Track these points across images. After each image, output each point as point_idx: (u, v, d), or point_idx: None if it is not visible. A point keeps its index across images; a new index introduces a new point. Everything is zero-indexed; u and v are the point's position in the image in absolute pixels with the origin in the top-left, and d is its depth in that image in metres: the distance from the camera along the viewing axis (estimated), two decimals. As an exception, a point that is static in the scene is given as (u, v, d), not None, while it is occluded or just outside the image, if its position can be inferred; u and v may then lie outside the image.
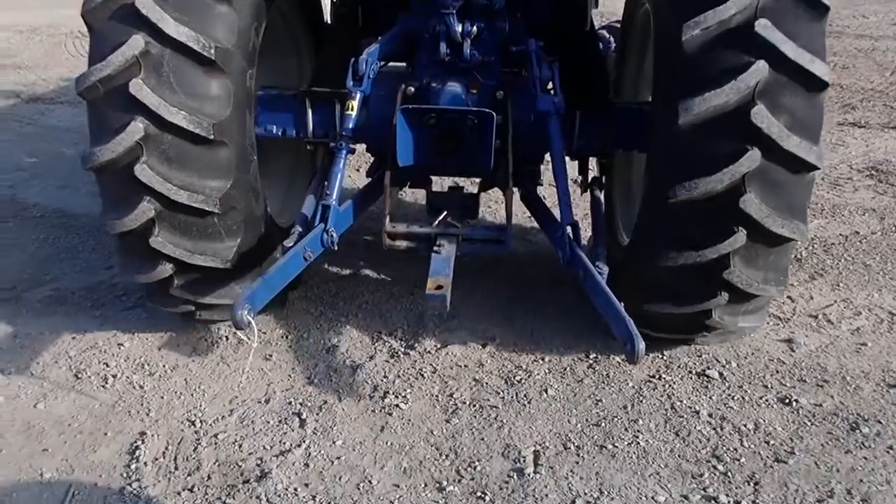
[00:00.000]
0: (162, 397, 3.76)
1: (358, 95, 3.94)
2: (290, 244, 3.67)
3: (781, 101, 3.20)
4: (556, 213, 3.80)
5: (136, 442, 3.46)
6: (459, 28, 4.01)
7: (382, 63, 4.21)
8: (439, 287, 3.43)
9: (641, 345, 2.96)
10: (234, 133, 3.61)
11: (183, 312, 4.07)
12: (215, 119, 3.49)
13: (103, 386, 3.83)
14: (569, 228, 3.61)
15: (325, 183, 3.87)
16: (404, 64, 4.54)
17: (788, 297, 4.55)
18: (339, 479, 3.26)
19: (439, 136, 3.79)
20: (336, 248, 3.72)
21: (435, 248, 3.75)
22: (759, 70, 3.14)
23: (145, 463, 3.34)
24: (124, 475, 3.28)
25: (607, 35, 5.49)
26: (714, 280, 3.51)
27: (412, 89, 4.07)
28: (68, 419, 3.61)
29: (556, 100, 3.86)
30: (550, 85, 3.97)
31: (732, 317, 3.71)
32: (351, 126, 3.90)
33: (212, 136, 3.48)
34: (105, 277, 4.84)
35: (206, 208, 3.59)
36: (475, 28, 4.05)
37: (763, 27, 3.12)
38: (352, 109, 3.91)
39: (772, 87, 3.18)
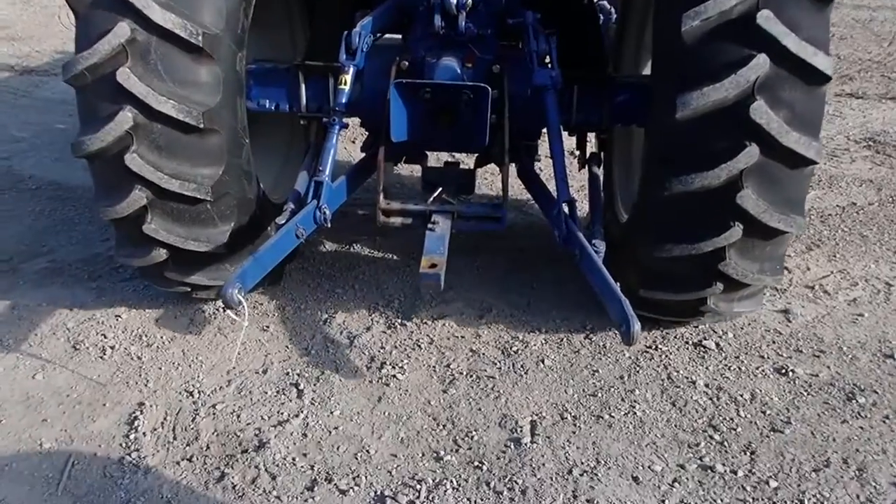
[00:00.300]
0: (160, 368, 3.77)
1: (351, 69, 3.89)
2: (283, 221, 3.64)
3: (781, 96, 3.15)
4: (553, 189, 3.78)
5: (134, 412, 3.47)
6: (454, 0, 3.95)
7: (377, 36, 4.16)
8: (433, 265, 3.42)
9: (637, 326, 2.95)
10: (225, 119, 3.56)
11: (179, 292, 4.07)
12: (205, 107, 3.44)
13: (101, 357, 3.84)
14: (565, 206, 3.58)
15: (318, 159, 3.83)
16: (399, 37, 4.49)
17: (785, 267, 4.54)
18: (337, 448, 3.28)
19: (434, 111, 3.74)
20: (329, 224, 3.69)
21: (429, 226, 3.73)
22: (760, 64, 3.08)
23: (144, 433, 3.35)
24: (123, 445, 3.29)
25: (608, 6, 5.43)
26: (709, 271, 3.51)
27: (406, 63, 4.01)
28: (67, 390, 3.62)
29: (553, 73, 3.81)
30: (548, 58, 3.93)
31: (728, 303, 3.72)
32: (344, 101, 3.85)
33: (202, 125, 3.43)
34: (102, 250, 4.84)
35: (199, 196, 3.56)
36: (470, 0, 4.00)
37: (765, 19, 3.04)
38: (345, 84, 3.86)
39: (772, 82, 3.12)
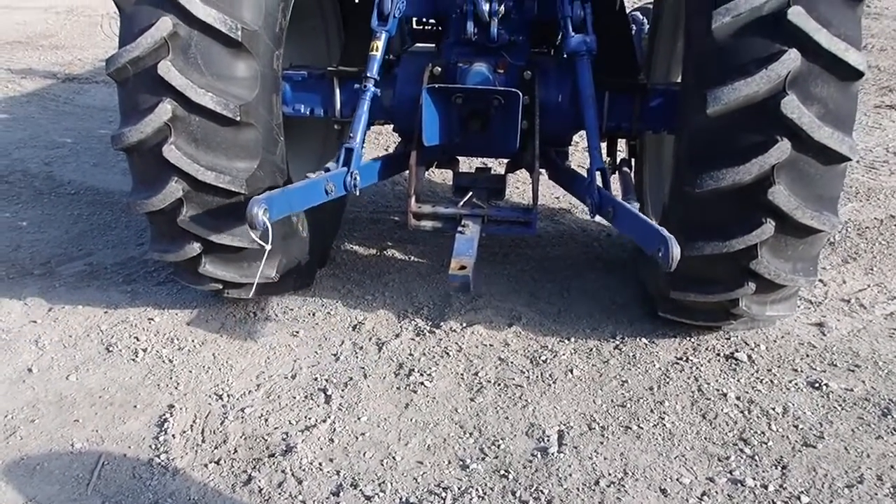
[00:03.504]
0: (190, 371, 3.80)
1: (383, 35, 3.93)
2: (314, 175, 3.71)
3: (813, 91, 3.15)
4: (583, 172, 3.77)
5: (164, 415, 3.51)
6: (487, 7, 3.96)
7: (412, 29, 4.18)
8: (462, 268, 3.43)
9: (676, 249, 2.99)
10: (261, 114, 3.62)
11: (211, 290, 4.11)
12: (242, 101, 3.51)
13: (133, 359, 3.88)
14: (597, 174, 3.61)
15: (349, 127, 3.88)
16: (433, 45, 4.52)
17: (820, 280, 4.48)
18: (364, 454, 3.28)
19: (465, 116, 3.78)
20: (357, 192, 3.74)
21: (459, 229, 3.74)
22: (791, 59, 3.08)
23: (173, 435, 3.38)
24: (153, 447, 3.32)
25: (640, 16, 5.45)
26: (741, 270, 3.48)
27: (439, 69, 4.05)
28: (99, 391, 3.66)
29: (587, 39, 3.79)
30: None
31: (760, 306, 3.67)
32: (375, 68, 3.89)
33: (238, 118, 3.50)
34: (136, 253, 4.91)
35: (233, 189, 3.61)
36: (503, 7, 4.01)
37: (796, 15, 3.05)
38: (376, 50, 3.90)
39: (804, 77, 3.12)
